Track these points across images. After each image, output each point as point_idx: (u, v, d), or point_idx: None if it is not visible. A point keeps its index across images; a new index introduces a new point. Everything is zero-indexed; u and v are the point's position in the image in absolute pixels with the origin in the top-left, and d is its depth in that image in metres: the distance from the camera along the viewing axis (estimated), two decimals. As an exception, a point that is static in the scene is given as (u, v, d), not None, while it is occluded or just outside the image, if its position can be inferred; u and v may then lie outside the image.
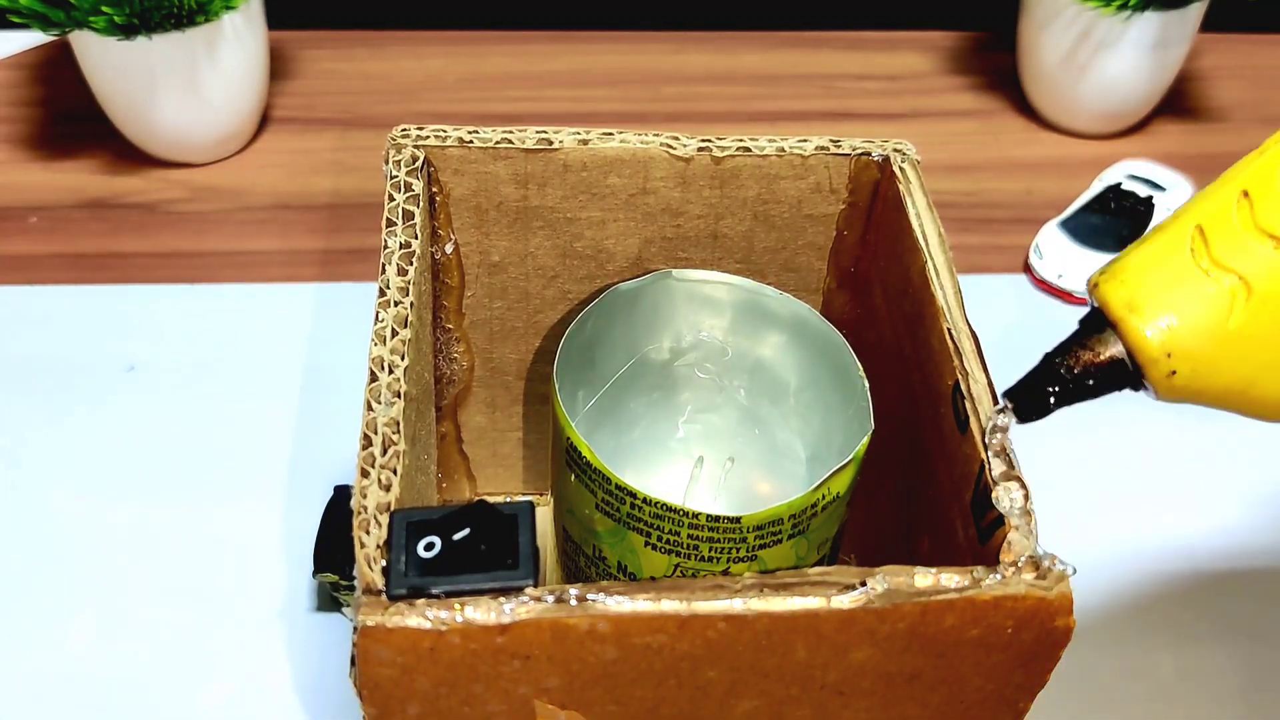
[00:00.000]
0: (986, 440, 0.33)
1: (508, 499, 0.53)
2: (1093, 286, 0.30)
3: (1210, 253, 0.29)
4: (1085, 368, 0.30)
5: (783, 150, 0.43)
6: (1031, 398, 0.31)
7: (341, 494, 0.51)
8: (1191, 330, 0.29)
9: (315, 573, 0.49)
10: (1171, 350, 0.29)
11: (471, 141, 0.42)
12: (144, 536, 0.53)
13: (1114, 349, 0.30)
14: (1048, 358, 0.31)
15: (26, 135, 0.75)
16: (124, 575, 0.51)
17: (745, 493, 0.48)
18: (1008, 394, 0.32)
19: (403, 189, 0.40)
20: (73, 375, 0.60)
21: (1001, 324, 0.64)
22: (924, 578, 0.30)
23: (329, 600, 0.51)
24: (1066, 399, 0.31)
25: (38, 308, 0.63)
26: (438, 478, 0.49)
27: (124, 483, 0.55)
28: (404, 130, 0.42)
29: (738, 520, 0.36)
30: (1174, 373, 0.29)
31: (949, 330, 0.37)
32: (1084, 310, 0.66)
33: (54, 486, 0.55)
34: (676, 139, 0.42)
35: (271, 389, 0.59)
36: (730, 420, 0.48)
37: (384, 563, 0.30)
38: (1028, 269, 0.68)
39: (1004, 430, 0.33)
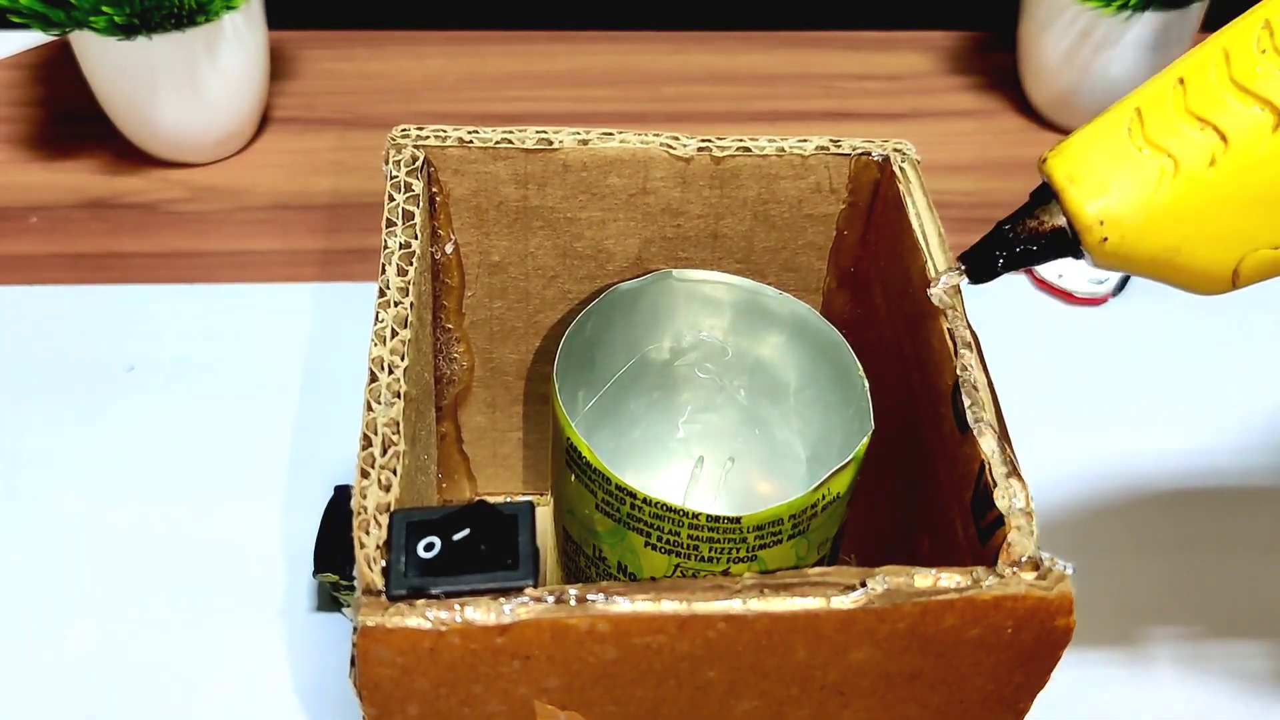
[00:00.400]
0: (935, 297, 0.37)
1: (508, 499, 0.53)
2: (1042, 162, 0.33)
3: (1145, 132, 0.32)
4: (1030, 234, 0.33)
5: (783, 150, 0.43)
6: (982, 260, 0.35)
7: (342, 494, 0.51)
8: (1123, 201, 0.31)
9: (315, 573, 0.49)
10: (1104, 219, 0.31)
11: (471, 141, 0.42)
12: (144, 537, 0.53)
13: (1057, 219, 0.33)
14: (999, 225, 0.34)
15: (26, 135, 0.75)
16: (124, 575, 0.51)
17: (745, 493, 0.48)
18: (962, 257, 0.35)
19: (403, 189, 0.40)
20: (73, 375, 0.60)
21: (1001, 324, 0.64)
22: (924, 578, 0.30)
23: (329, 600, 0.51)
24: (1013, 263, 0.34)
25: (38, 308, 0.63)
26: (438, 478, 0.49)
27: (124, 483, 0.55)
28: (404, 130, 0.42)
29: (738, 520, 0.36)
30: (1105, 239, 0.32)
31: (949, 330, 0.37)
32: (1085, 310, 0.68)
33: (54, 486, 0.55)
34: (676, 139, 0.42)
35: (271, 389, 0.60)
36: (730, 420, 0.48)
37: (384, 563, 0.30)
38: (1028, 269, 0.68)
39: (955, 288, 0.37)
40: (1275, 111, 0.30)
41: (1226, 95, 0.31)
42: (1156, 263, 0.32)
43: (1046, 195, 0.33)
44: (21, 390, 0.59)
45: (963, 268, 0.35)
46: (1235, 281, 0.33)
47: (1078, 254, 0.33)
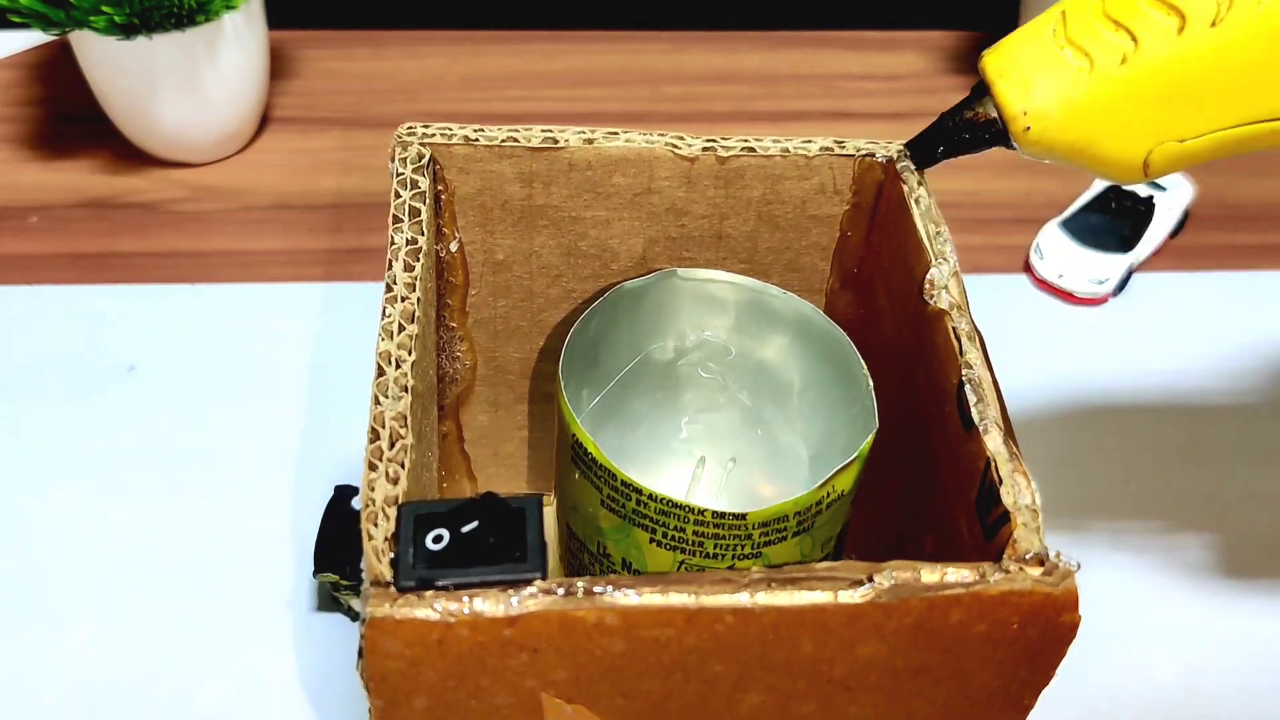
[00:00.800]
0: (905, 169, 0.41)
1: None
2: (980, 59, 0.37)
3: (1067, 33, 0.35)
4: (967, 123, 0.37)
5: (787, 151, 0.43)
6: (924, 148, 0.39)
7: (342, 494, 0.51)
8: (1045, 94, 0.35)
9: (315, 573, 0.48)
10: (1028, 109, 0.35)
11: (477, 140, 0.42)
12: (144, 536, 0.53)
13: (990, 110, 0.36)
14: (942, 116, 0.38)
15: (26, 135, 0.75)
16: (124, 575, 0.51)
17: (747, 493, 0.48)
18: (908, 145, 0.40)
19: (409, 186, 0.40)
20: (73, 375, 0.60)
21: (1001, 324, 0.64)
22: (931, 573, 0.30)
23: (329, 600, 0.51)
24: (951, 150, 0.38)
25: (38, 308, 0.63)
26: (439, 477, 0.49)
27: (124, 483, 0.55)
28: (410, 128, 0.42)
29: (743, 517, 0.36)
30: (1029, 129, 0.36)
31: (953, 329, 0.37)
32: (1085, 310, 0.68)
33: (54, 486, 0.55)
34: (681, 139, 0.42)
35: (272, 389, 0.59)
36: (733, 420, 0.48)
37: (392, 555, 0.29)
38: (1028, 269, 0.68)
39: (909, 169, 0.41)
40: (1181, 16, 0.33)
41: (1140, 1, 0.34)
42: (1074, 152, 0.36)
43: (983, 90, 0.36)
44: (21, 390, 0.59)
45: (908, 154, 0.40)
46: (1147, 172, 0.36)
47: (1008, 143, 0.37)
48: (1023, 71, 0.35)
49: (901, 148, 0.41)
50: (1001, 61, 0.36)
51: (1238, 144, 0.35)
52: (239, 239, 0.69)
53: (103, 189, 0.71)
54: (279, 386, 0.60)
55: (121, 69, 0.67)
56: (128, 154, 0.73)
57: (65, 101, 0.77)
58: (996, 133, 0.37)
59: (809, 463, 0.47)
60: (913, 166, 0.40)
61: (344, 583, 0.48)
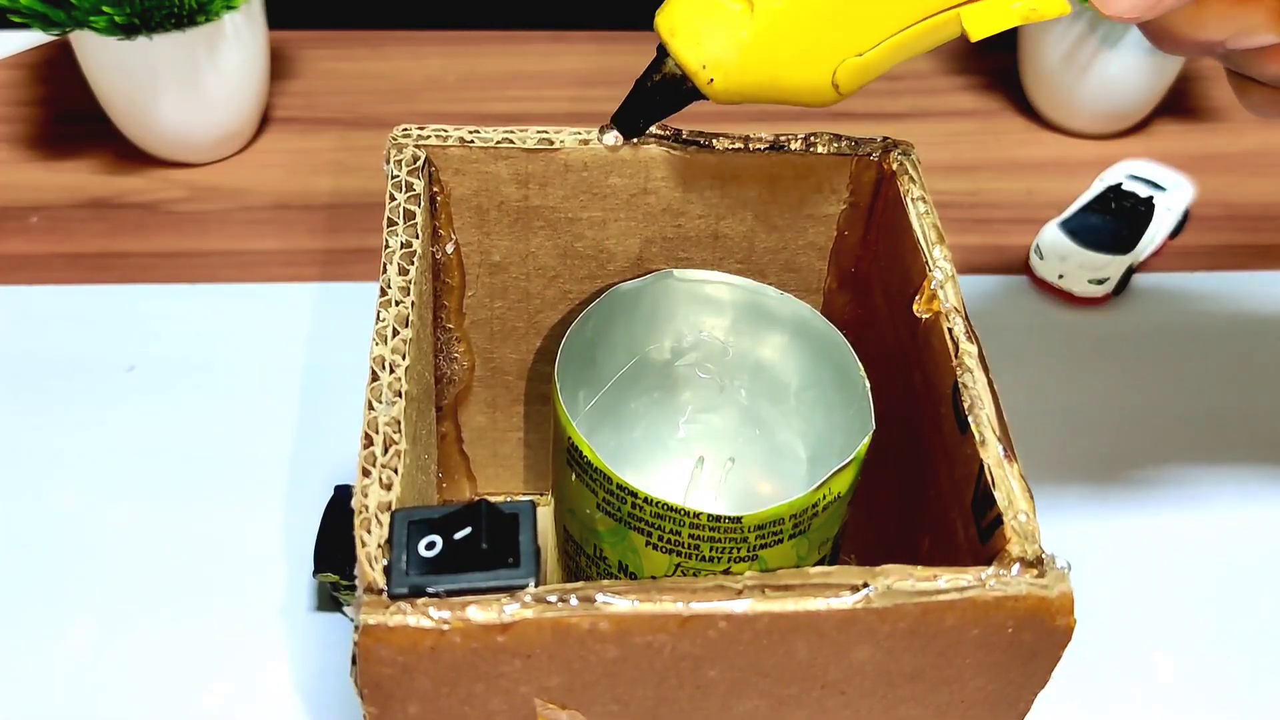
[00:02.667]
0: (607, 145, 0.42)
1: (508, 499, 0.53)
2: (654, 19, 0.37)
3: None
4: (658, 86, 0.37)
5: (784, 150, 0.43)
6: (627, 118, 0.39)
7: (342, 494, 0.51)
8: (716, 44, 0.35)
9: (315, 573, 0.49)
10: (706, 63, 0.36)
11: (472, 141, 0.42)
12: (144, 536, 0.53)
13: (676, 69, 0.37)
14: (636, 83, 0.38)
15: (26, 135, 0.75)
16: (124, 575, 0.51)
17: (746, 493, 0.48)
18: (613, 119, 0.40)
19: (404, 188, 0.40)
20: (73, 375, 0.60)
21: (1001, 324, 0.64)
22: (925, 578, 0.30)
23: (329, 600, 0.51)
24: (653, 114, 0.39)
25: (38, 308, 0.63)
26: (438, 478, 0.49)
27: (124, 483, 0.55)
28: (405, 130, 0.42)
29: (739, 520, 0.36)
30: (712, 80, 0.36)
31: (949, 330, 0.37)
32: (1085, 310, 0.68)
33: (54, 486, 0.55)
34: (678, 139, 0.42)
35: (271, 389, 0.60)
36: (731, 420, 0.48)
37: (385, 561, 0.29)
38: (1028, 269, 0.68)
39: (614, 146, 0.42)
40: None
41: None
42: (764, 90, 0.36)
43: (665, 51, 0.37)
44: (21, 390, 0.59)
45: (613, 126, 0.40)
46: (838, 90, 0.37)
47: (703, 96, 0.37)
48: (691, 26, 0.36)
49: (611, 121, 0.40)
50: (671, 20, 0.36)
51: (914, 44, 0.36)
52: (239, 239, 0.69)
53: (103, 189, 0.71)
54: (279, 386, 0.60)
55: (122, 69, 0.67)
56: (128, 154, 0.73)
57: (65, 101, 0.77)
58: (688, 89, 0.37)
59: (807, 462, 0.47)
60: (616, 129, 0.40)
61: (344, 583, 0.48)
